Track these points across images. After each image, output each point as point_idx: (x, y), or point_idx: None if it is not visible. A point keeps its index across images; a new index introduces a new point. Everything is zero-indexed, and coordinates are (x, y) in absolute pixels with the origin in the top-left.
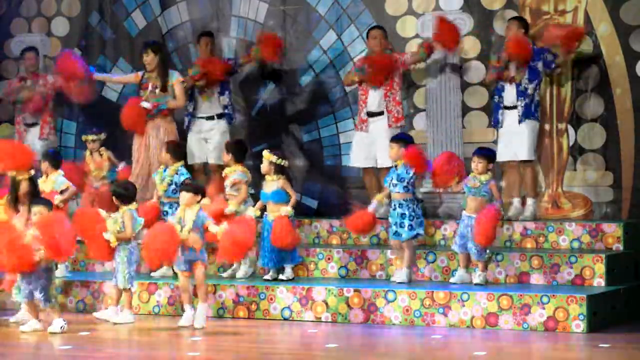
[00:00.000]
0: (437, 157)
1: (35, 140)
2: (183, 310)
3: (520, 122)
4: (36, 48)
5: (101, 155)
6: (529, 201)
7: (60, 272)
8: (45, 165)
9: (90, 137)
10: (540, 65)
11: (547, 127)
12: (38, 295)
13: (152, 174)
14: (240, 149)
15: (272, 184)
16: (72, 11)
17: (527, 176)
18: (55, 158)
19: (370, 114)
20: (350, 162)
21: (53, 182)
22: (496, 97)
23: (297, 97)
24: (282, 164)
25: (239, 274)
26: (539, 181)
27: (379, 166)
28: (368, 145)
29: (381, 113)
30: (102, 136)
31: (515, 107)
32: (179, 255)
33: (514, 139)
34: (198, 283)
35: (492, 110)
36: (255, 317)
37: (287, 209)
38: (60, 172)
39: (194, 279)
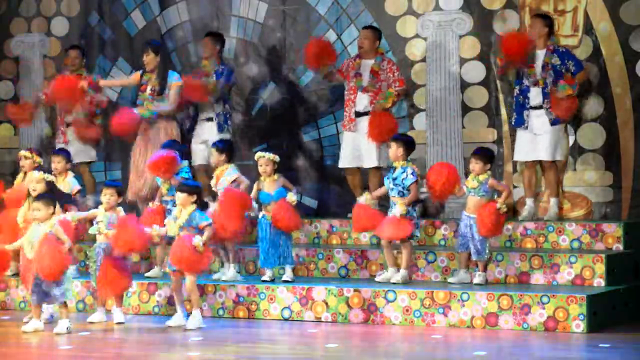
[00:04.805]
0: (432, 172)
1: (74, 139)
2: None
3: (552, 124)
4: (81, 46)
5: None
6: (552, 201)
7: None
8: (61, 165)
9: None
10: (564, 69)
11: None
12: (55, 291)
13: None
14: (232, 149)
15: (274, 183)
16: (72, 11)
17: (550, 176)
18: (69, 157)
19: (358, 114)
20: (339, 163)
21: (68, 182)
22: (520, 97)
23: (297, 97)
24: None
25: (228, 277)
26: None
27: (365, 166)
28: (357, 145)
29: (368, 113)
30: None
31: (540, 107)
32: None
33: (539, 140)
34: (188, 290)
35: (515, 111)
36: (255, 317)
37: (293, 196)
38: (71, 173)
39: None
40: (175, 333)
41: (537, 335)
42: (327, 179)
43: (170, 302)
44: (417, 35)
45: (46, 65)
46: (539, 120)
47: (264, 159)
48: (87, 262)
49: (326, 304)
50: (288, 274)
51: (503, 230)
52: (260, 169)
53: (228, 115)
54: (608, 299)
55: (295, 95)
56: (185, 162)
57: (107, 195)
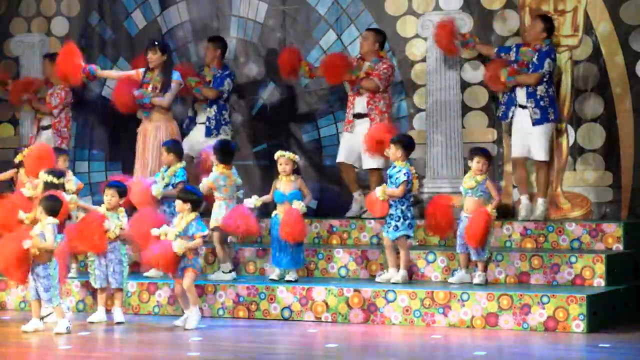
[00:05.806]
0: (431, 211)
1: (49, 142)
2: (183, 312)
3: (534, 124)
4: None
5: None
6: (539, 201)
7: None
8: (67, 163)
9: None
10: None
11: None
12: (43, 294)
13: (156, 173)
14: (223, 150)
15: (290, 184)
16: (72, 11)
17: (539, 176)
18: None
19: (357, 116)
20: (337, 158)
21: (71, 181)
22: (512, 93)
23: (297, 97)
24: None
25: (218, 276)
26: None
27: (363, 167)
28: (353, 144)
29: (367, 115)
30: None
31: (525, 106)
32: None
33: (528, 138)
34: (186, 288)
35: (504, 105)
36: (255, 317)
37: (301, 204)
38: (69, 172)
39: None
40: (175, 333)
41: (537, 335)
42: (327, 179)
43: (170, 302)
44: (417, 35)
45: (46, 65)
46: (524, 119)
47: (284, 157)
48: (87, 262)
49: (326, 304)
50: (292, 274)
51: (489, 237)
52: (280, 168)
53: (223, 121)
54: (608, 299)
55: (295, 95)
56: (183, 163)
57: (109, 196)
